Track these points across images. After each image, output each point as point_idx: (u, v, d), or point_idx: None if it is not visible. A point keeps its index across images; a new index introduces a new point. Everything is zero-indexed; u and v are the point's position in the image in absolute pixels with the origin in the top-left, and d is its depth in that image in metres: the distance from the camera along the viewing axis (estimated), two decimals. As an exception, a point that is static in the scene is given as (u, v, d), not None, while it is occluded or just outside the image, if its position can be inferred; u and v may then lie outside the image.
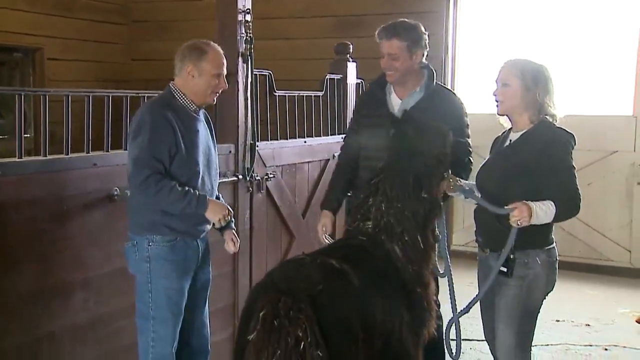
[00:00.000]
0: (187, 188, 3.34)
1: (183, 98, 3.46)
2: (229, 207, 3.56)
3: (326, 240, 4.01)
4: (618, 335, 5.69)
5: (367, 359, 2.92)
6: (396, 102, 3.99)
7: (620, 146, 7.51)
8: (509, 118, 3.39)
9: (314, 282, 2.91)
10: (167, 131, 3.32)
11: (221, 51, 3.52)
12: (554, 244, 3.35)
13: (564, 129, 3.28)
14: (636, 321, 5.91)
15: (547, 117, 3.28)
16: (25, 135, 3.63)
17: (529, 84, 3.26)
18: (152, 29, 9.01)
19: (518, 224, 3.07)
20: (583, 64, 7.57)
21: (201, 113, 3.59)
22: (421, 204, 3.27)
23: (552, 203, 3.10)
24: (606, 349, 5.38)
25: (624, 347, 5.44)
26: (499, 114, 3.41)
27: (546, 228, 3.26)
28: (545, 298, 3.35)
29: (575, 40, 7.64)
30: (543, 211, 3.08)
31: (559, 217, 3.13)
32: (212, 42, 3.52)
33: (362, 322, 2.91)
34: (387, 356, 3.07)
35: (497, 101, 3.35)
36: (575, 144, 3.25)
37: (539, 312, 3.37)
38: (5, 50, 7.88)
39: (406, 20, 3.99)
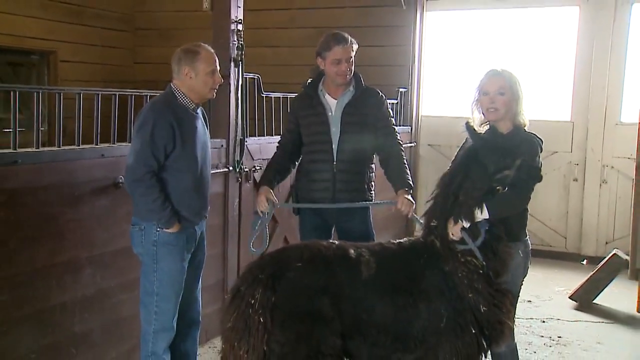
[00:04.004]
0: (167, 203, 3.30)
1: (183, 97, 3.41)
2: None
3: (260, 212, 3.79)
4: (554, 309, 5.80)
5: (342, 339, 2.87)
6: (332, 102, 3.92)
7: (559, 147, 7.58)
8: (489, 124, 3.25)
9: (297, 259, 2.93)
10: (166, 130, 3.28)
11: (212, 50, 3.46)
12: (527, 235, 3.31)
13: (535, 134, 3.22)
14: (569, 297, 6.01)
15: (519, 121, 3.21)
16: (41, 129, 3.59)
17: (519, 94, 3.18)
18: (153, 36, 8.92)
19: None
20: (529, 75, 7.62)
21: (199, 111, 3.55)
22: (457, 204, 3.01)
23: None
24: (544, 321, 5.48)
25: (559, 319, 5.55)
26: (491, 120, 3.21)
27: (523, 221, 3.23)
28: (523, 282, 3.32)
29: (522, 54, 7.70)
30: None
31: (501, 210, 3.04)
32: (202, 44, 3.46)
33: (339, 305, 2.85)
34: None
35: (490, 109, 3.18)
36: (542, 147, 3.20)
37: (519, 294, 3.33)
38: (23, 53, 7.88)
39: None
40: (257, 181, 4.13)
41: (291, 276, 2.86)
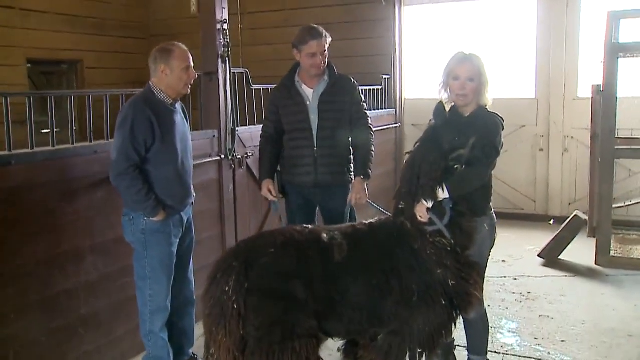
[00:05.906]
0: (151, 193, 2.98)
1: (160, 93, 3.07)
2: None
3: (274, 198, 3.57)
4: (525, 267, 5.44)
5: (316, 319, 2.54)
6: (309, 92, 3.58)
7: (526, 122, 7.22)
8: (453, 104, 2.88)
9: (270, 246, 2.57)
10: (145, 125, 2.95)
11: (185, 47, 3.12)
12: (492, 209, 2.95)
13: (497, 114, 2.86)
14: (538, 255, 5.65)
15: (482, 102, 2.84)
16: (75, 128, 3.36)
17: (488, 78, 2.82)
18: (165, 41, 8.37)
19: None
20: (497, 60, 7.19)
21: (178, 105, 3.20)
22: (419, 187, 2.64)
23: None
24: (516, 279, 5.13)
25: (529, 276, 5.21)
26: (461, 105, 2.83)
27: (487, 197, 2.88)
28: (490, 253, 2.98)
29: (490, 41, 7.27)
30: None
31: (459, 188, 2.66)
32: (176, 42, 3.12)
33: (313, 288, 2.51)
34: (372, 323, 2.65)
35: (460, 95, 2.79)
36: (504, 126, 2.84)
37: (487, 264, 3.00)
38: (54, 63, 7.67)
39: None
40: (258, 177, 3.80)
41: (264, 262, 2.51)
